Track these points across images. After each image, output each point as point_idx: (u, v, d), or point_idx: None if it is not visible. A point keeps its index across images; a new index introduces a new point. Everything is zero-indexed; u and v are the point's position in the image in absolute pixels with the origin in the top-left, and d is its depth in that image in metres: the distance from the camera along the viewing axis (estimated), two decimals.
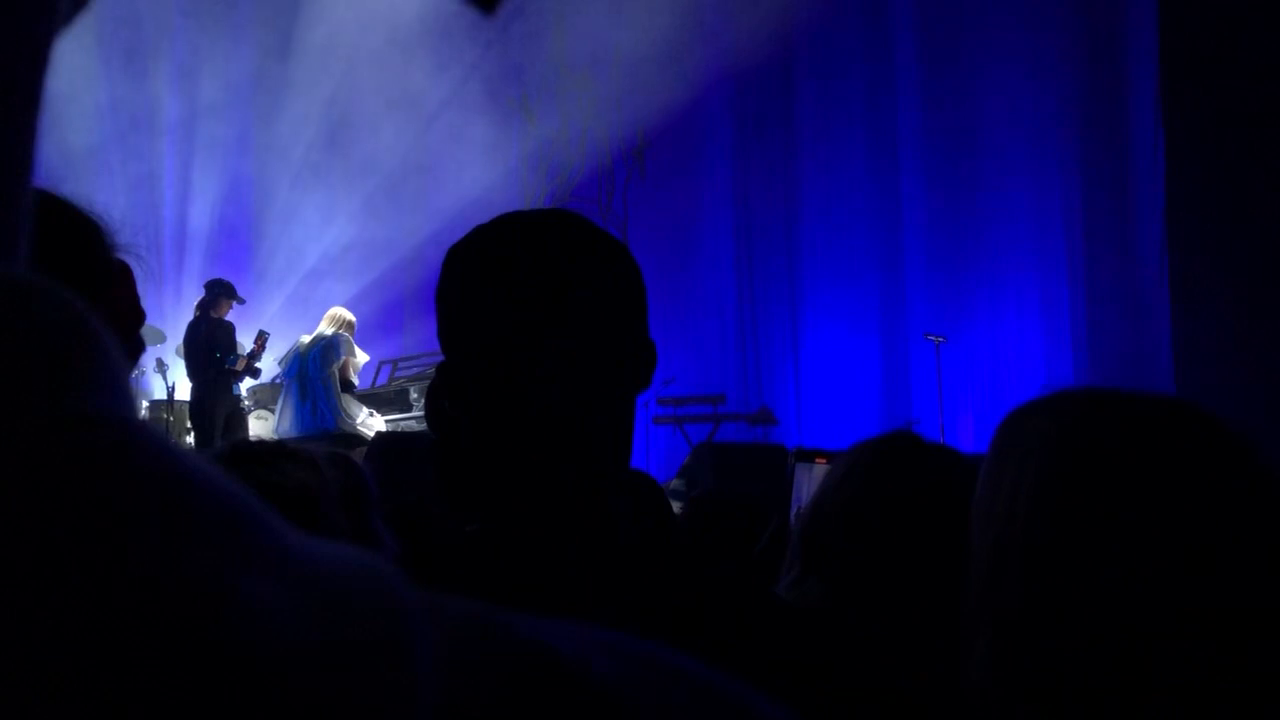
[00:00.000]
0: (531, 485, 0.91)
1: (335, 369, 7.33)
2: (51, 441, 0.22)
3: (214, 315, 7.84)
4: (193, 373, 7.72)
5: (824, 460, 1.91)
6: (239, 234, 11.52)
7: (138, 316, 1.00)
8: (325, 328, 7.52)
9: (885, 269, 10.32)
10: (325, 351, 7.32)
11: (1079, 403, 0.84)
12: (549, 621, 0.29)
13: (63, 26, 0.32)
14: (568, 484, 0.91)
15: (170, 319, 9.78)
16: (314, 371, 7.29)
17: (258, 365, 7.98)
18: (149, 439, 0.24)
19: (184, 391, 8.33)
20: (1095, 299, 8.79)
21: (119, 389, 0.25)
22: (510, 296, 0.90)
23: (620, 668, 0.28)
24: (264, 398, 8.67)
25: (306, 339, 7.53)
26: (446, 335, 0.96)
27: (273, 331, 8.18)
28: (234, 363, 7.74)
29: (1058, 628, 0.76)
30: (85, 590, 0.21)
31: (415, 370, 9.44)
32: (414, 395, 8.27)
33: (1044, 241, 9.25)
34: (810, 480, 2.03)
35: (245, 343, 7.97)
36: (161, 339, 9.21)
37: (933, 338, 8.53)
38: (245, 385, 8.18)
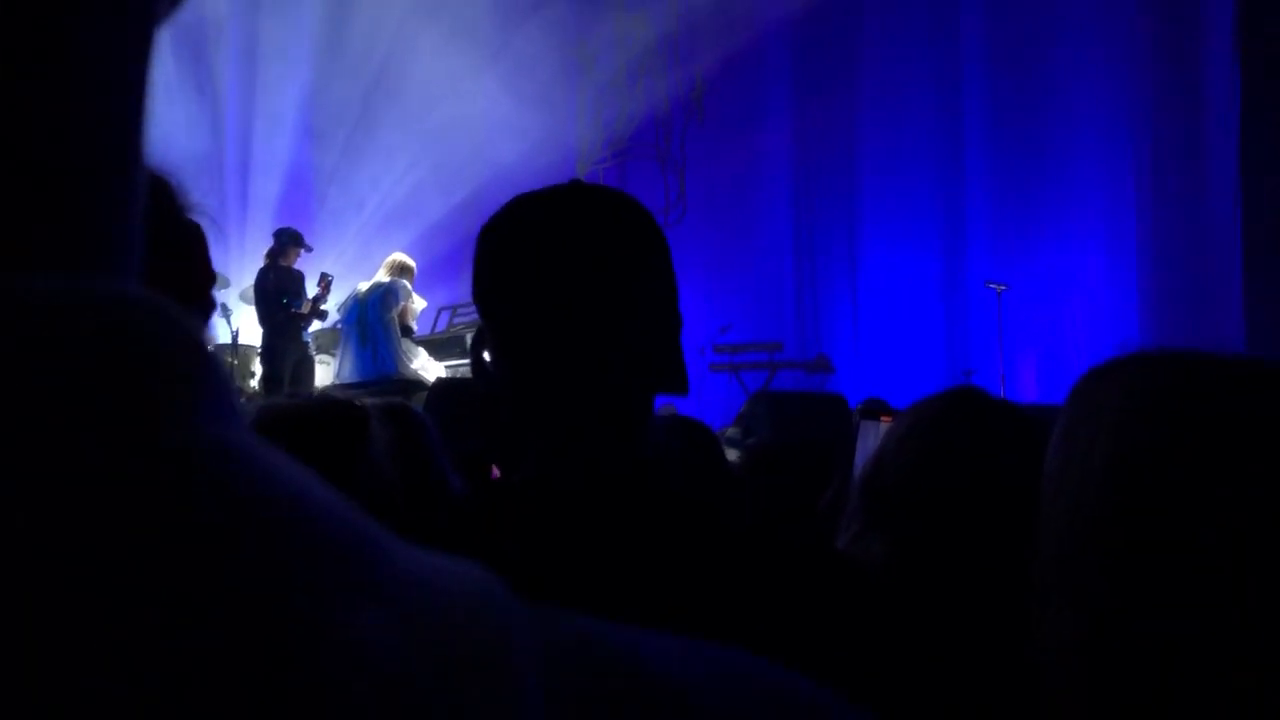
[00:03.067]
0: (565, 448, 0.96)
1: (395, 314, 7.39)
2: (153, 472, 0.22)
3: (283, 263, 7.95)
4: (263, 319, 7.86)
5: (889, 419, 1.89)
6: (301, 182, 11.61)
7: (210, 277, 1.01)
8: (384, 274, 7.57)
9: (946, 216, 10.16)
10: (384, 297, 7.38)
11: (1155, 366, 0.80)
12: (655, 637, 0.29)
13: (165, 16, 0.31)
14: (599, 449, 0.95)
15: (234, 265, 9.92)
16: (373, 317, 7.36)
17: (324, 307, 8.09)
18: (257, 465, 0.24)
19: (250, 337, 8.47)
20: (1163, 250, 8.57)
21: (228, 412, 0.25)
22: (541, 272, 0.95)
23: (722, 687, 0.28)
24: (325, 343, 8.78)
25: (365, 285, 7.59)
26: (483, 306, 1.01)
27: (337, 279, 8.27)
28: (299, 306, 7.85)
29: (1142, 607, 0.72)
30: (177, 618, 0.20)
31: (473, 316, 9.45)
32: (471, 341, 8.33)
33: (1111, 189, 9.01)
34: (875, 438, 2.01)
35: (310, 287, 8.07)
36: (225, 284, 9.34)
37: (994, 286, 8.39)
38: (313, 328, 8.30)
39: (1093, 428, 0.79)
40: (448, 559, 0.27)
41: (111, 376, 0.23)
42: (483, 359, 1.04)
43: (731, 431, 6.96)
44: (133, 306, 0.24)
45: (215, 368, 0.25)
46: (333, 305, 8.22)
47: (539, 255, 0.95)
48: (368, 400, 1.33)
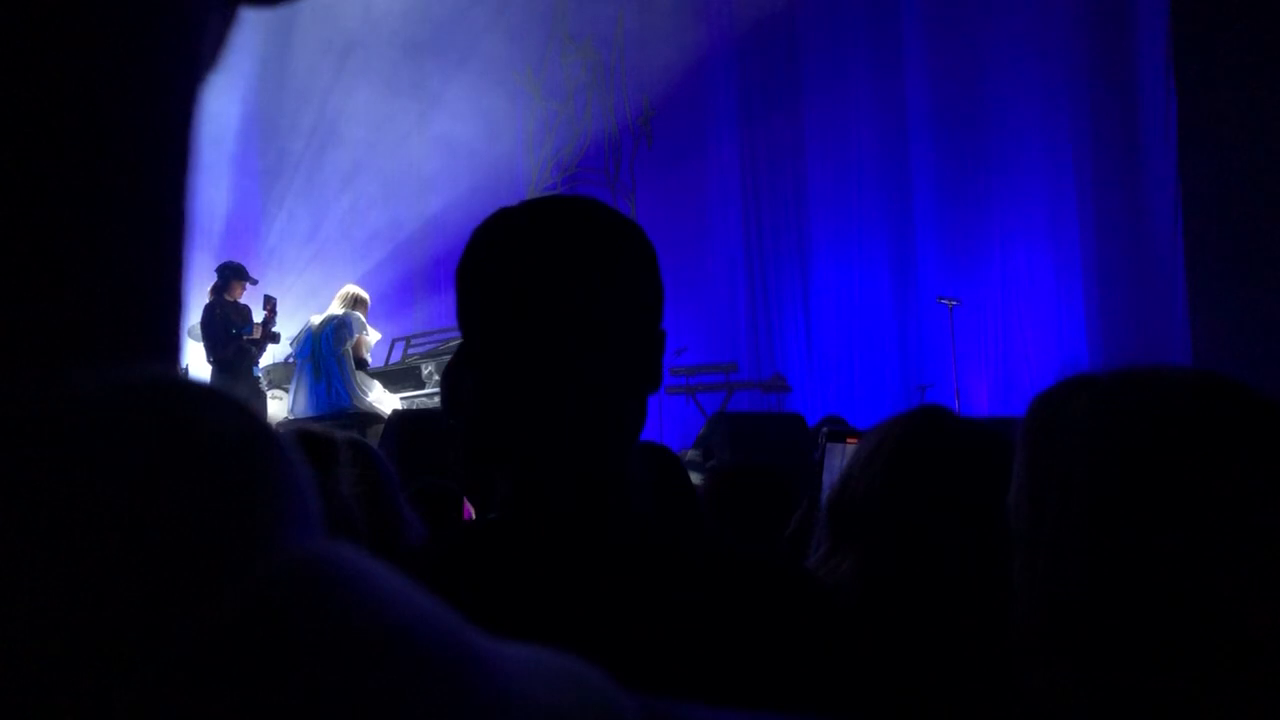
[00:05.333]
0: (541, 478, 0.92)
1: (348, 347, 7.32)
2: (252, 606, 0.20)
3: (228, 298, 7.86)
4: (211, 353, 7.75)
5: (855, 440, 1.90)
6: (248, 215, 11.51)
7: None
8: (337, 306, 7.50)
9: (896, 233, 10.28)
10: (338, 330, 7.31)
11: (1120, 388, 0.81)
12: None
13: (207, 78, 0.29)
14: (577, 479, 0.91)
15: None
16: (327, 350, 7.28)
17: (275, 330, 7.99)
18: (352, 575, 0.22)
19: (198, 375, 8.35)
20: (1106, 261, 8.75)
21: (308, 511, 0.23)
22: (527, 286, 0.90)
23: None
24: (277, 377, 8.68)
25: (317, 319, 7.52)
26: (464, 314, 0.95)
27: (288, 314, 8.18)
28: (250, 331, 7.76)
29: (1128, 616, 0.73)
30: None
31: (427, 346, 9.43)
32: (426, 371, 8.26)
33: (1056, 203, 9.19)
34: (842, 460, 2.02)
35: (256, 314, 7.98)
36: None
37: (946, 301, 8.48)
38: (263, 363, 8.20)
39: (1062, 451, 0.80)
40: (541, 653, 0.25)
41: (191, 492, 0.20)
42: (455, 390, 0.97)
43: (691, 454, 6.96)
44: (197, 401, 0.22)
45: (291, 461, 0.23)
46: (285, 332, 8.12)
47: (511, 274, 0.91)
48: (336, 433, 1.29)
